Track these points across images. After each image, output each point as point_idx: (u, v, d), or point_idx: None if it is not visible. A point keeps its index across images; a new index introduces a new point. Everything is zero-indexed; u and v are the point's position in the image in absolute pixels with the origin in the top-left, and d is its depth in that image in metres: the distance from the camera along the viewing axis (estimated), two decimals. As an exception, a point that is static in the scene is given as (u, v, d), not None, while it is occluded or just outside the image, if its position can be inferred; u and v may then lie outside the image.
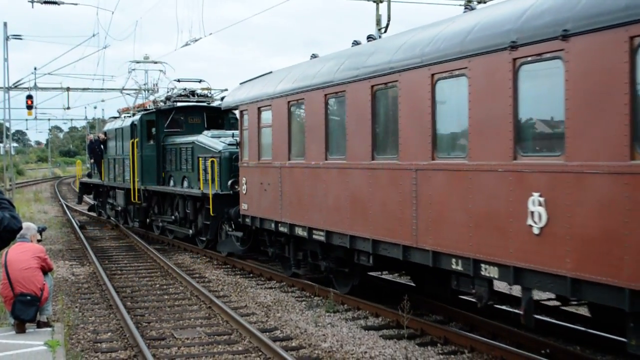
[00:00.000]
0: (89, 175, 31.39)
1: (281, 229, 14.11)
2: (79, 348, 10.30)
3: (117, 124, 26.17)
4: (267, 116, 14.73)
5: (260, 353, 9.89)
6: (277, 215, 14.19)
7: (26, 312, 9.69)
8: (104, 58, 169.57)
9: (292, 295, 14.03)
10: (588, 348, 9.58)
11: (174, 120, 22.76)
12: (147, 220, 23.77)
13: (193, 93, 23.44)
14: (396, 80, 10.32)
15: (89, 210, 32.80)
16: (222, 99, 21.25)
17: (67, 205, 38.03)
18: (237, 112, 17.05)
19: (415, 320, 11.00)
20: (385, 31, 20.60)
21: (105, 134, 27.91)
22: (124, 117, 26.11)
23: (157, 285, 15.31)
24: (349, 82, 11.56)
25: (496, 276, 8.56)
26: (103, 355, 10.00)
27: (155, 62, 28.13)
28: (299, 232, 13.36)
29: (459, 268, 9.16)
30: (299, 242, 14.05)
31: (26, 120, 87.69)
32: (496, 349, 9.49)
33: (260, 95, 14.95)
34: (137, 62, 28.43)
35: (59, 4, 26.88)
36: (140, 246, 21.53)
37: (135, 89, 31.21)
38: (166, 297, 14.05)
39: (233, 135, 18.89)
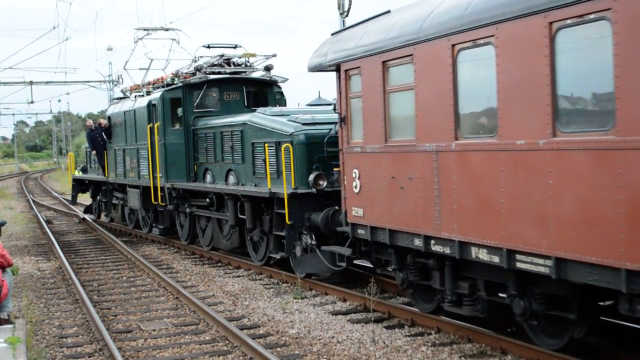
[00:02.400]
0: (84, 170, 27.11)
1: (436, 248, 9.15)
2: (44, 344, 10.16)
3: (126, 105, 20.94)
4: (402, 73, 9.76)
5: (227, 342, 9.85)
6: (428, 227, 9.23)
7: (-16, 309, 9.52)
8: (65, 50, 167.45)
9: (260, 282, 13.99)
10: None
11: (205, 97, 17.97)
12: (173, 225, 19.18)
13: (229, 62, 18.34)
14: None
15: (85, 211, 27.73)
16: (266, 68, 18.28)
17: (34, 201, 37.59)
18: (333, 75, 11.75)
19: (382, 303, 11.02)
20: (347, 15, 20.46)
21: (108, 119, 22.54)
22: (135, 96, 20.73)
23: (124, 278, 15.18)
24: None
25: None
26: (68, 350, 9.89)
27: (167, 29, 22.62)
28: (482, 255, 8.39)
29: None
30: (461, 267, 9.18)
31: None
32: (462, 329, 9.54)
33: (388, 42, 9.95)
34: (145, 30, 22.59)
35: (15, -4, 26.35)
36: (108, 239, 21.31)
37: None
38: (133, 289, 13.93)
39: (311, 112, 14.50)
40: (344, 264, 11.89)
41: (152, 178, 18.47)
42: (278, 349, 9.45)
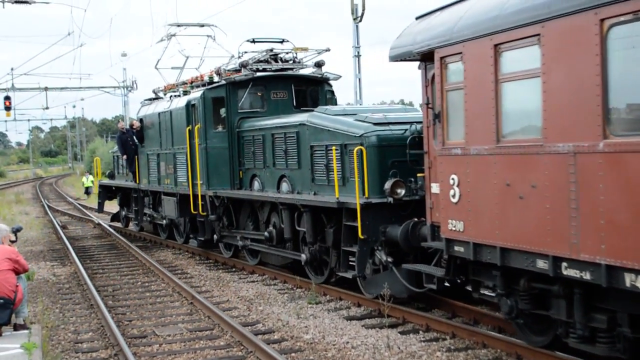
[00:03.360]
0: (111, 176, 25.62)
1: (570, 272, 7.39)
2: (59, 349, 10.19)
3: (161, 106, 19.25)
4: (523, 57, 8.07)
5: (242, 347, 9.85)
6: (559, 247, 7.48)
7: (0, 315, 9.57)
8: (80, 56, 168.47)
9: (274, 288, 13.98)
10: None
11: (251, 96, 16.47)
12: (215, 237, 17.20)
13: (276, 57, 16.70)
14: None
15: (112, 220, 26.44)
16: (317, 64, 16.64)
17: (49, 206, 37.79)
18: (424, 65, 10.10)
19: (397, 308, 10.97)
20: (360, 21, 20.50)
21: (140, 121, 20.73)
22: (171, 96, 19.04)
23: (139, 283, 15.22)
24: None
25: None
26: (83, 356, 9.91)
27: (202, 25, 21.05)
28: None
29: None
30: (597, 296, 7.54)
31: (5, 121, 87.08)
32: (477, 335, 9.50)
33: (502, 21, 8.20)
34: (179, 25, 20.99)
35: (30, 4, 26.50)
36: (122, 244, 21.39)
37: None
38: (148, 294, 13.96)
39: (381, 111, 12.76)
40: (433, 286, 10.01)
41: (191, 185, 16.96)
42: (293, 354, 9.44)
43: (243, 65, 16.23)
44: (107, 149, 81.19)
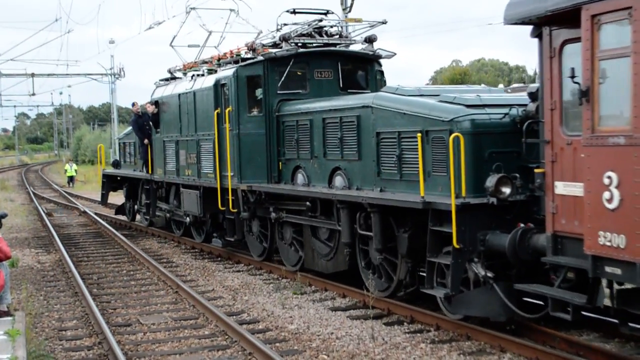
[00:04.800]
0: (116, 165, 23.65)
1: None
2: (43, 336, 10.16)
3: (181, 87, 16.92)
4: None
5: (226, 336, 9.85)
6: None
7: (-18, 302, 9.52)
8: (67, 43, 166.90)
9: (259, 278, 13.99)
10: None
11: (292, 75, 14.12)
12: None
13: (321, 31, 14.49)
14: None
15: (116, 212, 24.43)
16: (368, 39, 14.36)
17: (34, 193, 37.62)
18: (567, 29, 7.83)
19: (382, 300, 11.01)
20: (349, 11, 20.46)
21: (156, 103, 18.30)
22: (193, 76, 16.70)
23: (124, 271, 15.18)
24: None
25: None
26: (67, 343, 9.89)
27: None
28: None
29: None
30: None
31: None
32: (462, 327, 9.54)
33: None
34: None
35: (18, -12, 26.14)
36: (108, 232, 21.31)
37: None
38: (133, 283, 13.94)
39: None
40: (566, 316, 7.94)
41: (219, 177, 14.77)
42: (277, 344, 9.46)
43: (284, 38, 13.94)
44: (94, 136, 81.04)
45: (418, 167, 9.92)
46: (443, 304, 9.88)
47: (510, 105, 9.61)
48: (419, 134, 9.94)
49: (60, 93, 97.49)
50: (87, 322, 10.97)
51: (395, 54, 14.43)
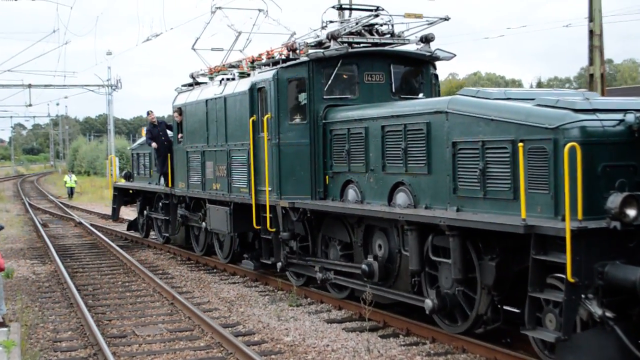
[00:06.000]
0: (128, 177, 22.49)
1: None
2: (38, 347, 10.14)
3: (208, 92, 15.43)
4: None
5: (222, 348, 9.84)
6: None
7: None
8: (65, 54, 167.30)
9: (255, 289, 13.98)
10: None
11: (339, 78, 12.65)
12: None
13: (371, 29, 12.97)
14: None
15: (128, 228, 22.78)
16: (424, 39, 12.83)
17: (30, 204, 37.58)
18: None
19: (377, 312, 11.00)
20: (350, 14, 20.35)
21: (179, 110, 16.83)
22: (223, 80, 15.28)
23: (120, 283, 15.16)
24: None
25: None
26: (62, 354, 9.87)
27: None
28: None
29: None
30: None
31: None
32: (457, 340, 9.53)
33: None
34: None
35: (15, 0, 26.19)
36: (104, 243, 21.29)
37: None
38: (128, 294, 13.92)
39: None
40: None
41: (254, 192, 13.27)
42: (273, 356, 9.45)
43: (333, 36, 12.36)
44: (90, 147, 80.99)
45: (508, 183, 8.58)
46: (540, 347, 8.33)
47: (625, 110, 8.15)
48: (510, 144, 8.52)
49: (57, 104, 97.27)
50: (82, 334, 10.95)
51: (455, 55, 13.02)
